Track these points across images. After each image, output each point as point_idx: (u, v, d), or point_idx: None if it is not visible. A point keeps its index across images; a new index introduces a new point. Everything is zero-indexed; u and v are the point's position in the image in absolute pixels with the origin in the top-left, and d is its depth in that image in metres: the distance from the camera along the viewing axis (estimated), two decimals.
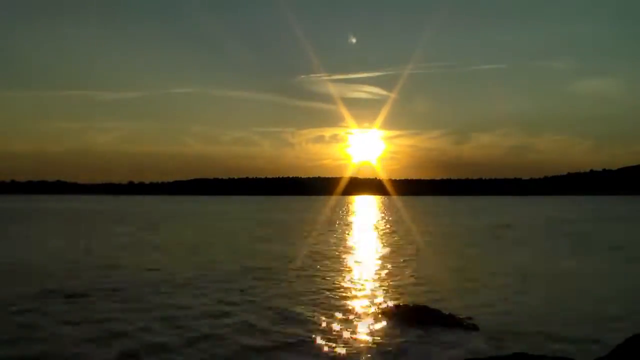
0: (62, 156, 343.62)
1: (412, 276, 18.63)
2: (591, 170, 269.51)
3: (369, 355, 9.71)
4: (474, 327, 11.44)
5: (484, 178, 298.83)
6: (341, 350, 9.99)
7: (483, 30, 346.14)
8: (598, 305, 13.87)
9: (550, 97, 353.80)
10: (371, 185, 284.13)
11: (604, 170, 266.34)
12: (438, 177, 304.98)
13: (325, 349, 10.11)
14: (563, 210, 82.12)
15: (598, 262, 22.64)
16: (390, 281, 17.62)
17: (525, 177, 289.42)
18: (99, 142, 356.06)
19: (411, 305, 12.97)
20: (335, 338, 10.79)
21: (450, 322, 11.73)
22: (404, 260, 22.87)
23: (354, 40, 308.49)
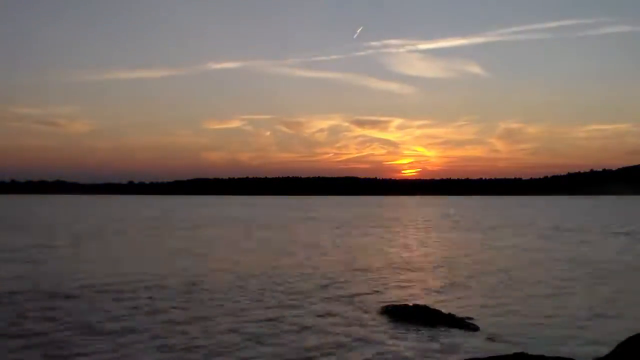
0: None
1: (417, 276, 18.63)
2: (591, 170, 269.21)
3: (367, 356, 9.69)
4: (474, 327, 11.43)
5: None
6: (339, 350, 9.98)
7: None
8: (599, 304, 13.88)
9: None
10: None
11: (604, 170, 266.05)
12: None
13: (322, 349, 10.10)
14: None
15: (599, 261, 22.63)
16: (393, 281, 17.63)
17: (526, 177, 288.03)
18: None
19: (411, 305, 12.96)
20: (333, 337, 10.78)
21: (450, 322, 11.71)
22: (417, 263, 22.85)
23: None
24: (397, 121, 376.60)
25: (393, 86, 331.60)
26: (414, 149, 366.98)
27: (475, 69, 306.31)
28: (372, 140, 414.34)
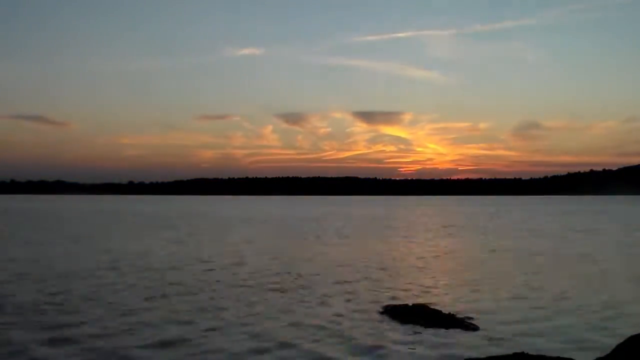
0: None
1: (417, 276, 18.62)
2: (591, 170, 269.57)
3: (366, 355, 9.67)
4: (474, 327, 11.41)
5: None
6: (338, 350, 9.97)
7: None
8: (598, 304, 13.85)
9: None
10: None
11: (604, 170, 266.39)
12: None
13: (322, 348, 10.08)
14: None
15: (598, 261, 22.61)
16: (393, 280, 17.62)
17: (526, 177, 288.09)
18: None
19: (411, 305, 12.95)
20: (333, 337, 10.77)
21: (450, 322, 11.70)
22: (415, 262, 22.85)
23: None
24: (410, 115, 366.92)
25: (423, 75, 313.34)
26: (426, 145, 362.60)
27: (524, 54, 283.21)
28: (383, 135, 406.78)
